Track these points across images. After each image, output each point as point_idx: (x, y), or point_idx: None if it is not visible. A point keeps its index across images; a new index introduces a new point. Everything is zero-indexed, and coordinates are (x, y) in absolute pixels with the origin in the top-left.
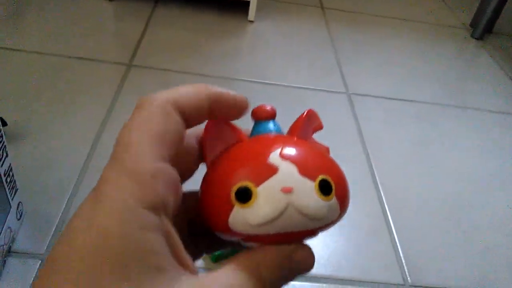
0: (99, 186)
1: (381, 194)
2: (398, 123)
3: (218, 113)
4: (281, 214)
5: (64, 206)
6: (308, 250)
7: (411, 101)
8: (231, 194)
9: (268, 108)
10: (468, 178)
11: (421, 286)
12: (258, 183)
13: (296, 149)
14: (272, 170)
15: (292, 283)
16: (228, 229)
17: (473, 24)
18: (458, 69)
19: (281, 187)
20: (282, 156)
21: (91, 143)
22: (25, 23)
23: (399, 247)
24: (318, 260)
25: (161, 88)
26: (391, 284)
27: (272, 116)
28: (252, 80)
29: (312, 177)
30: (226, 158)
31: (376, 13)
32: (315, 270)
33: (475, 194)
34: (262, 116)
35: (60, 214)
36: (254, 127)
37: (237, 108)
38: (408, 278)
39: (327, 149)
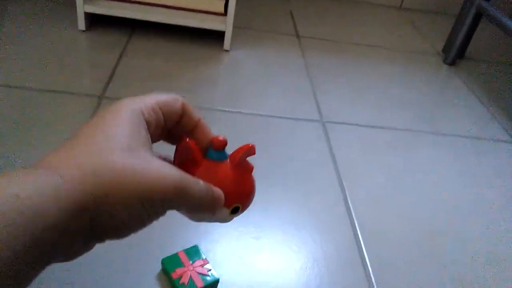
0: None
1: (355, 224)
2: (373, 151)
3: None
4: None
5: None
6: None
7: (386, 128)
8: None
9: (221, 139)
10: (442, 206)
11: None
12: None
13: (223, 190)
14: None
15: None
16: None
17: (445, 50)
18: (431, 95)
19: None
20: None
21: None
22: None
23: (373, 281)
24: None
25: None
26: None
27: (222, 147)
28: (227, 110)
29: (230, 206)
30: (192, 171)
31: (351, 40)
32: None
33: (449, 223)
34: (215, 147)
35: None
36: (210, 150)
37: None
38: None
39: (252, 169)
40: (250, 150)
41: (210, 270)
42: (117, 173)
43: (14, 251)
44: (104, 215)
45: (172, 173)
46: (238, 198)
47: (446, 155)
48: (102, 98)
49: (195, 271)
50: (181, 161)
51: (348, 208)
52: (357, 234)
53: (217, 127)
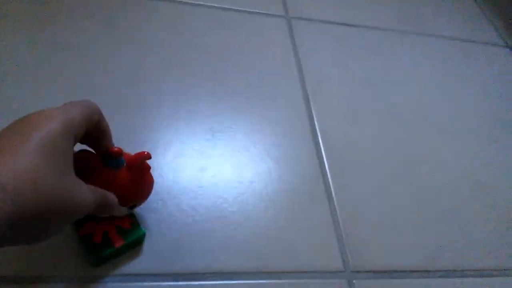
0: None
1: (320, 148)
2: (347, 55)
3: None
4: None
5: None
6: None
7: (364, 27)
8: None
9: (116, 150)
10: (423, 125)
11: (365, 271)
12: None
13: (120, 194)
14: None
15: None
16: None
17: None
18: None
19: None
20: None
21: None
22: None
23: (339, 219)
24: (240, 255)
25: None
26: (327, 272)
27: (117, 157)
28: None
29: (127, 205)
30: (92, 180)
31: None
32: (236, 266)
33: (430, 145)
34: (112, 157)
35: None
36: (108, 159)
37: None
38: (350, 262)
39: (149, 168)
40: (145, 157)
41: (133, 222)
42: (55, 198)
43: None
44: (32, 229)
45: (98, 195)
46: (134, 199)
47: (431, 59)
48: None
49: (113, 225)
50: (82, 169)
51: (313, 126)
52: (323, 161)
53: (164, 23)
